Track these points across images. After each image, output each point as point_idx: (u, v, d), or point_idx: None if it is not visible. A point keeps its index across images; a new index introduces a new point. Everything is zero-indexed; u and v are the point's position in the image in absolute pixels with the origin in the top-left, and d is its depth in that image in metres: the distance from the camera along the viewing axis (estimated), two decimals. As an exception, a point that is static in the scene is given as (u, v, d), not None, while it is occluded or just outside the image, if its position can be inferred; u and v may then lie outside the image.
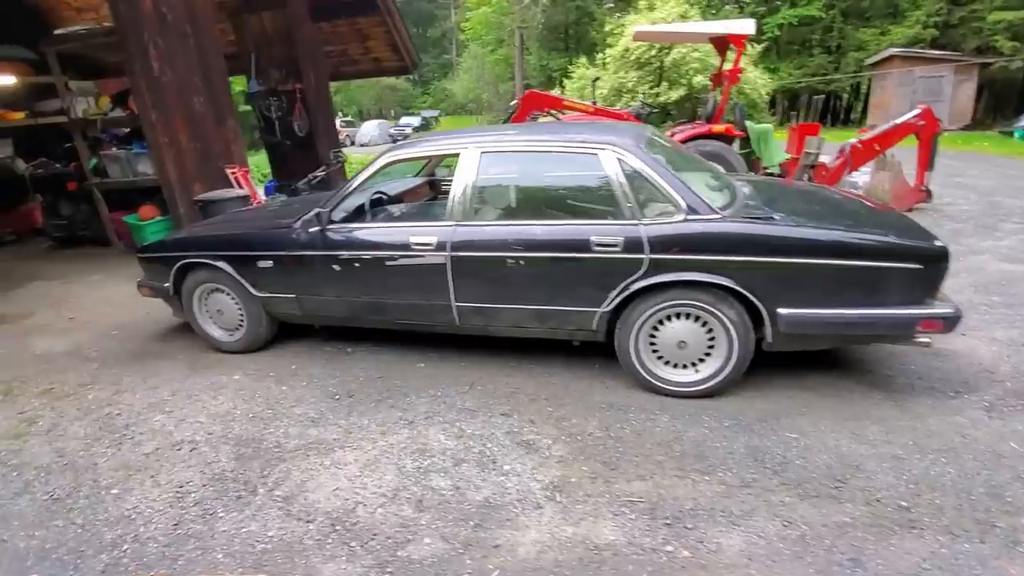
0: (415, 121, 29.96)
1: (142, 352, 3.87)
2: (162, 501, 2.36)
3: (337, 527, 2.15)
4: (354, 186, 3.17)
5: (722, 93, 6.37)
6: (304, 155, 8.60)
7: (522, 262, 2.82)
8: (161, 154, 5.84)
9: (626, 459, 2.45)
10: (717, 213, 2.64)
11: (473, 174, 2.93)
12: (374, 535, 2.10)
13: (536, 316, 2.95)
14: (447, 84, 36.78)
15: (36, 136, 7.15)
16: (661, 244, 2.62)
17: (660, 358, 2.86)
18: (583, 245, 2.73)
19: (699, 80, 14.38)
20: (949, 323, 2.49)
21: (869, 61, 21.33)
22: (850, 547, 1.94)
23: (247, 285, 3.42)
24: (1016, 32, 17.62)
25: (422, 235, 2.98)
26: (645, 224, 2.67)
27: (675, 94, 14.99)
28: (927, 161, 6.61)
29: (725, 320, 2.66)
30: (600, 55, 19.10)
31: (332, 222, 3.16)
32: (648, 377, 2.87)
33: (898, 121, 6.59)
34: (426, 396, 3.03)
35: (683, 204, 2.65)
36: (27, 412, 3.16)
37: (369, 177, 3.14)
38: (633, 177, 2.72)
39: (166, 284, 3.65)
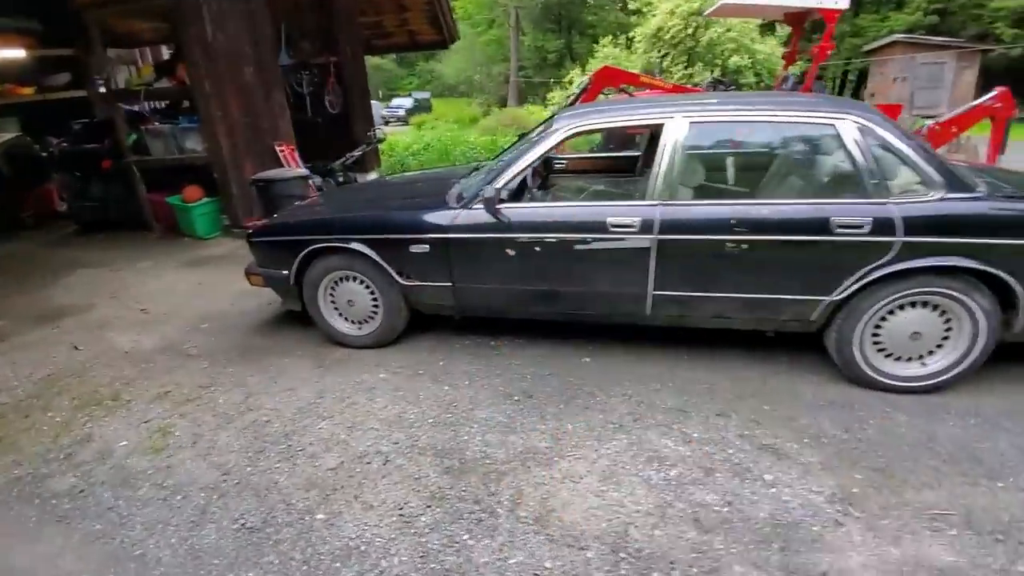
0: (407, 102, 29.04)
1: (249, 347, 3.45)
2: (387, 527, 2.01)
3: (621, 554, 1.85)
4: (529, 160, 2.81)
5: (808, 71, 6.13)
6: (337, 134, 8.06)
7: (744, 246, 2.52)
8: (214, 128, 5.33)
9: (896, 465, 2.20)
10: (976, 192, 2.38)
11: (681, 147, 2.60)
12: (671, 563, 1.81)
13: (746, 306, 2.67)
14: (435, 65, 35.76)
15: (39, 113, 6.46)
16: (918, 226, 2.36)
17: (881, 350, 2.61)
18: (820, 226, 2.44)
19: (734, 60, 14.13)
20: None
21: (868, 47, 21.45)
22: None
23: (392, 272, 3.03)
24: (1018, 19, 17.90)
25: (622, 215, 2.65)
26: (896, 203, 2.40)
27: (707, 75, 14.73)
28: (1000, 144, 6.52)
29: (975, 309, 2.42)
30: (623, 36, 18.51)
31: (502, 201, 2.79)
32: (868, 371, 2.63)
33: (975, 103, 6.47)
34: (617, 395, 2.73)
35: (940, 180, 2.38)
36: (153, 420, 2.74)
37: (549, 150, 2.78)
38: (881, 150, 2.44)
39: (285, 272, 3.23)
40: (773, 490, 2.10)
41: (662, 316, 2.82)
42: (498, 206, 2.76)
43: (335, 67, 7.89)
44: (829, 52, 5.99)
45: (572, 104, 6.45)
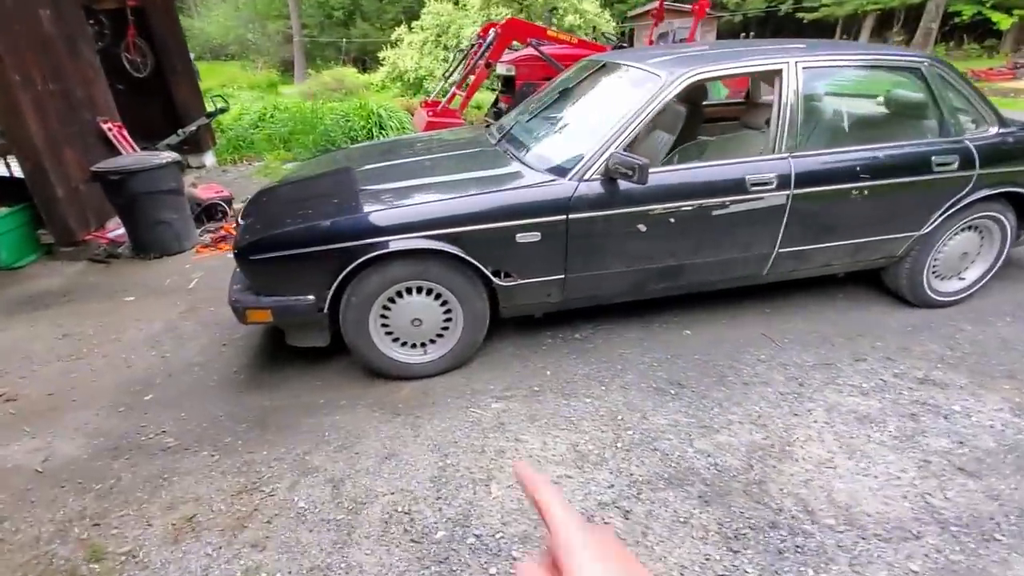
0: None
1: (258, 410, 2.38)
2: (720, 595, 1.56)
3: (951, 528, 1.75)
4: (643, 117, 2.36)
5: (692, 27, 6.54)
6: (151, 104, 6.03)
7: (866, 191, 2.54)
8: (15, 100, 3.47)
9: (1013, 364, 2.52)
10: (1014, 127, 2.77)
11: (798, 94, 2.46)
12: (995, 518, 1.77)
13: (854, 250, 2.73)
14: (189, 21, 29.32)
15: None
16: (988, 158, 2.65)
17: (936, 273, 2.96)
18: (925, 165, 2.58)
19: (568, 20, 14.22)
20: None
21: (632, 12, 24.27)
22: None
23: (487, 272, 2.33)
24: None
25: (760, 172, 2.42)
26: (970, 139, 2.65)
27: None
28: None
29: (1008, 227, 2.87)
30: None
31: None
32: (930, 293, 2.96)
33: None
34: (754, 362, 2.58)
35: (994, 118, 2.70)
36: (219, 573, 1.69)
37: (666, 103, 2.37)
38: (952, 92, 2.64)
39: (312, 296, 2.26)
40: (972, 418, 2.22)
41: (777, 273, 2.73)
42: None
43: (135, 15, 5.76)
44: (707, 8, 6.47)
45: (480, 59, 5.86)
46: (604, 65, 2.89)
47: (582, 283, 2.48)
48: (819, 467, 2.00)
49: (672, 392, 2.42)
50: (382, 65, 11.49)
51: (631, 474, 1.99)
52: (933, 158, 2.58)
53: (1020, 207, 2.83)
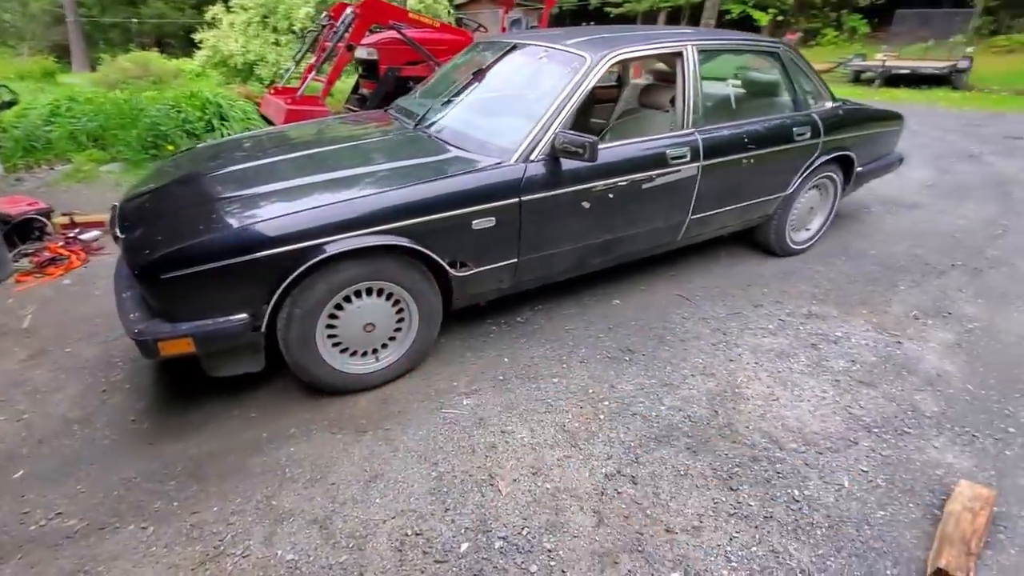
0: None
1: (192, 461, 1.96)
2: (760, 558, 1.72)
3: (898, 421, 2.14)
4: (577, 98, 2.39)
5: (543, 12, 6.71)
6: None
7: (752, 160, 2.92)
8: None
9: (869, 290, 3.14)
10: (838, 101, 3.39)
11: (697, 74, 2.72)
12: (967, 411, 2.22)
13: (741, 212, 3.13)
14: None
15: None
16: (829, 127, 3.22)
17: (791, 227, 3.54)
18: (789, 136, 3.05)
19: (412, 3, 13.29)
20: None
21: (459, 1, 24.26)
22: None
23: (443, 264, 2.20)
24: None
25: (675, 147, 2.63)
26: (815, 112, 3.19)
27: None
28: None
29: (839, 183, 3.54)
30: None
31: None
32: (790, 243, 3.54)
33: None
34: (681, 321, 2.85)
35: (829, 93, 3.28)
36: None
37: (594, 83, 2.43)
38: (800, 72, 3.15)
39: (245, 314, 1.93)
40: (852, 340, 2.72)
41: (688, 237, 3.02)
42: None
43: None
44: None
45: (340, 41, 5.40)
46: (514, 46, 2.87)
47: (532, 265, 2.48)
48: (766, 401, 2.30)
49: (626, 359, 2.56)
50: (198, 48, 9.90)
51: (623, 442, 2.07)
52: (794, 129, 3.07)
53: (846, 167, 3.51)
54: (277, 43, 9.17)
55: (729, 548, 1.68)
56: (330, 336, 2.16)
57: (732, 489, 1.88)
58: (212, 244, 1.83)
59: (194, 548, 1.67)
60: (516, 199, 2.25)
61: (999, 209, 4.49)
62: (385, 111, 3.25)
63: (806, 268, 3.47)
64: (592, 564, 1.62)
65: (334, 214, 1.97)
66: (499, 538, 1.70)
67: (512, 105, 2.64)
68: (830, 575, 1.60)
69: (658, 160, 2.59)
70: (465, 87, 2.82)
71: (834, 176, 3.48)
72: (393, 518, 1.77)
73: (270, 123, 5.88)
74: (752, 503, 1.82)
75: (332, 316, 2.12)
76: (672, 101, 2.83)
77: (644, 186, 2.59)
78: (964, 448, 2.07)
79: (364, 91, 6.07)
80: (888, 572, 1.62)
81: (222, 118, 5.93)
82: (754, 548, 1.68)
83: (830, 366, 2.53)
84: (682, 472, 1.94)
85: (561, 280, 2.85)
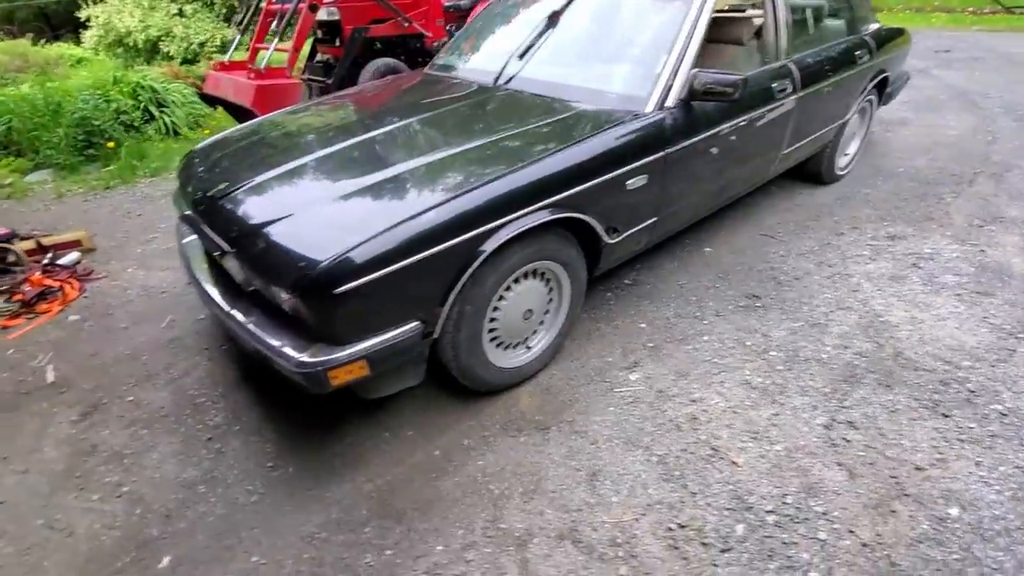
0: None
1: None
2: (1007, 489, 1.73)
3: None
4: (699, 36, 2.18)
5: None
6: None
7: (831, 87, 2.87)
8: None
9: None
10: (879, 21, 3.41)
11: (785, 4, 2.60)
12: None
13: (814, 141, 3.09)
14: None
15: None
16: (878, 48, 3.23)
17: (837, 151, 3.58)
18: (855, 59, 3.03)
19: None
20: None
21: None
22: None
23: (601, 232, 1.97)
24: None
25: (779, 80, 2.51)
26: (868, 34, 3.19)
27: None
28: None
29: (875, 102, 3.60)
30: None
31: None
32: (836, 170, 3.59)
33: None
34: (781, 260, 2.82)
35: (874, 16, 3.27)
36: None
37: (710, 13, 2.22)
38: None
39: (416, 323, 1.63)
40: (944, 255, 2.81)
41: (773, 173, 2.96)
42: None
43: None
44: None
45: (301, 2, 4.70)
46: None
47: (667, 221, 2.31)
48: (914, 325, 2.32)
49: (758, 305, 2.49)
50: (87, 27, 8.33)
51: (816, 389, 2.01)
52: (856, 52, 3.04)
53: (880, 87, 3.57)
54: (181, 13, 7.94)
55: (981, 473, 1.68)
56: (489, 331, 1.89)
57: (945, 415, 1.88)
58: (389, 242, 1.49)
59: (447, 598, 1.43)
60: (663, 152, 2.04)
61: (976, 118, 4.82)
62: (313, 82, 2.86)
63: (856, 192, 3.54)
64: (873, 518, 1.57)
65: (502, 191, 1.68)
66: (767, 512, 1.60)
67: (618, 46, 2.37)
68: (1079, 480, 1.65)
69: (767, 95, 2.46)
70: (541, 32, 2.51)
71: (873, 98, 3.53)
72: (644, 515, 1.61)
73: (219, 106, 5.11)
74: (971, 425, 1.84)
75: (494, 309, 1.85)
76: (756, 33, 2.67)
77: (758, 124, 2.46)
78: (1100, 339, 2.20)
79: (326, 57, 5.39)
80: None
81: (159, 104, 5.09)
82: (1002, 468, 1.69)
83: (943, 282, 2.60)
84: (891, 408, 1.92)
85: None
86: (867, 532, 1.53)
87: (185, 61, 7.68)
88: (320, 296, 1.45)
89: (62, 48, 8.68)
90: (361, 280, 1.46)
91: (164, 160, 4.50)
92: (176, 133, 5.07)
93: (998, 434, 1.80)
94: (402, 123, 2.18)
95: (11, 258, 2.97)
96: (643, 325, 2.39)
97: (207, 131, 5.03)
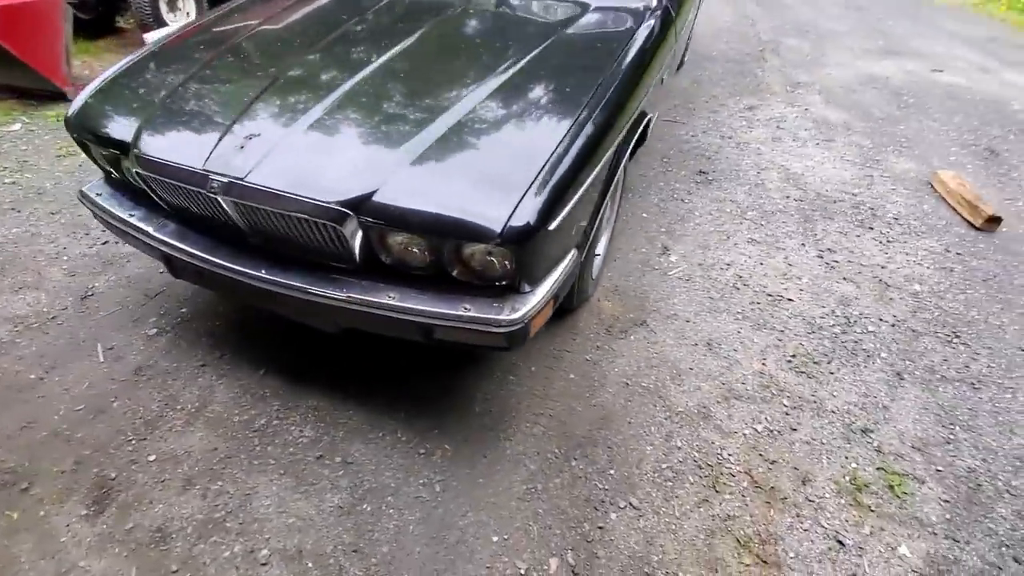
0: None
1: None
2: None
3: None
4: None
5: None
6: None
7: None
8: None
9: (752, 85, 4.07)
10: None
11: None
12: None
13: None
14: None
15: None
16: None
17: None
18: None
19: None
20: None
21: None
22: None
23: (654, 118, 2.05)
24: None
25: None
26: None
27: None
28: None
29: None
30: None
31: None
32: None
33: None
34: (715, 135, 3.29)
35: None
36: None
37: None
38: None
39: (575, 249, 1.57)
40: (793, 114, 3.62)
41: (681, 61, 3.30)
42: None
43: None
44: None
45: None
46: None
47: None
48: (810, 171, 3.02)
49: (709, 179, 2.91)
50: None
51: (794, 231, 2.55)
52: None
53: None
54: None
55: (916, 258, 2.43)
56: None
57: (871, 228, 2.60)
58: (566, 173, 1.35)
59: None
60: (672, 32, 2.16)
61: (731, 7, 5.93)
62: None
63: (700, 75, 4.18)
64: (883, 307, 2.17)
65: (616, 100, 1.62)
66: (831, 326, 2.07)
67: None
68: None
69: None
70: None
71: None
72: (764, 359, 1.93)
73: None
74: (886, 230, 2.59)
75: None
76: None
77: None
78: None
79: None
80: None
81: None
82: (921, 253, 2.47)
83: (802, 137, 3.38)
84: (843, 232, 2.56)
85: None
86: (888, 317, 2.13)
87: None
88: (530, 240, 1.28)
89: None
90: (560, 217, 1.33)
91: None
92: None
93: (906, 231, 2.59)
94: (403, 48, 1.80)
95: None
96: (645, 215, 2.62)
97: None
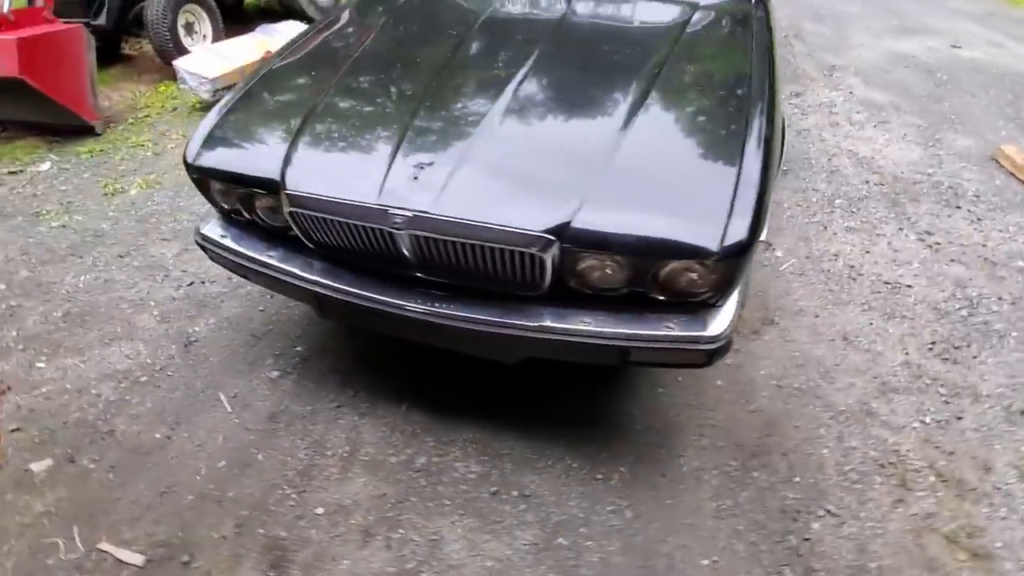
0: None
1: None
2: None
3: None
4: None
5: None
6: None
7: None
8: None
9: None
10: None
11: None
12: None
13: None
14: None
15: None
16: None
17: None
18: None
19: None
20: None
21: None
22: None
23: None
24: None
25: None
26: None
27: None
28: None
29: None
30: None
31: None
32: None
33: None
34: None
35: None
36: None
37: None
38: None
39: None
40: (823, 99, 3.63)
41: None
42: None
43: None
44: None
45: None
46: None
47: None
48: (879, 154, 3.02)
49: (785, 170, 2.89)
50: None
51: (886, 216, 2.54)
52: None
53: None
54: None
55: (1000, 228, 2.44)
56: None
57: (958, 207, 2.60)
58: (762, 173, 1.31)
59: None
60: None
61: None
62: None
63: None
64: (999, 285, 2.17)
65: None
66: (956, 310, 2.06)
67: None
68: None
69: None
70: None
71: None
72: (905, 348, 1.91)
73: None
74: (973, 208, 2.59)
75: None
76: None
77: None
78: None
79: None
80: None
81: None
82: (1008, 222, 2.48)
83: (858, 120, 3.39)
84: (934, 214, 2.56)
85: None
86: (1006, 295, 2.13)
87: None
88: (744, 253, 1.23)
89: None
90: (765, 228, 1.29)
91: None
92: None
93: (991, 207, 2.60)
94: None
95: None
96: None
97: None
